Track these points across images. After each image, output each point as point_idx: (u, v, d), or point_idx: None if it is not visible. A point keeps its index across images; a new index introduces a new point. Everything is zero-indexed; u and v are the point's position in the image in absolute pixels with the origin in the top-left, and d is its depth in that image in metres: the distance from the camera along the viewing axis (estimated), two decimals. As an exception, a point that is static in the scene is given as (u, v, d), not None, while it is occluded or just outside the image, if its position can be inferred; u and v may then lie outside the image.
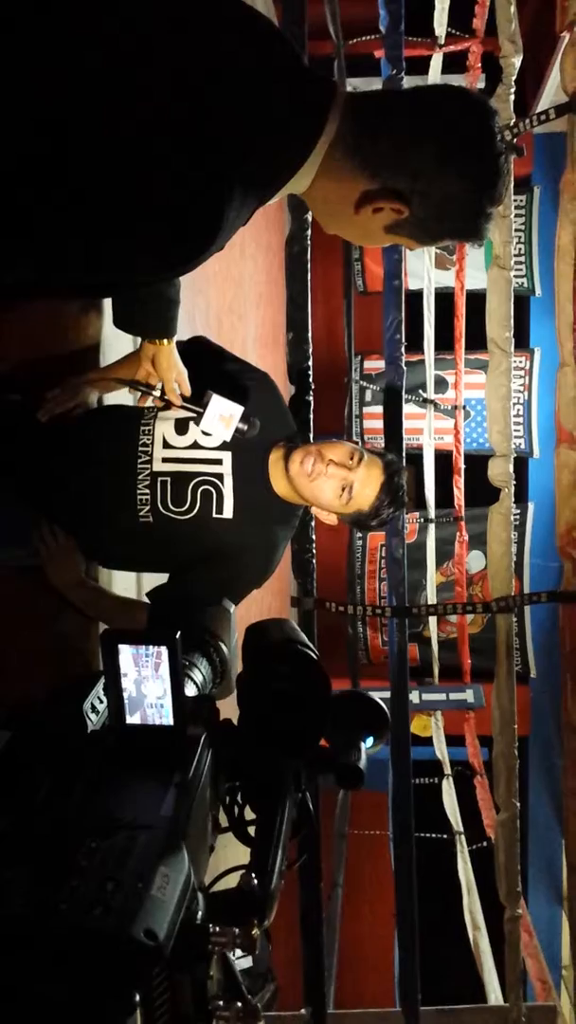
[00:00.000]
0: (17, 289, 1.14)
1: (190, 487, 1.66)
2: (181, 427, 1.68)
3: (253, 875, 0.82)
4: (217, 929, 0.74)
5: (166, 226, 0.97)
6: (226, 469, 1.67)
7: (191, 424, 1.68)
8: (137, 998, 0.66)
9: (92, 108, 0.94)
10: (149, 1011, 0.68)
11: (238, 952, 0.78)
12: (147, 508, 1.66)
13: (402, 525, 3.21)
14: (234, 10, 1.07)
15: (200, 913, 0.77)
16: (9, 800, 0.84)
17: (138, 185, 0.95)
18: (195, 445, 1.68)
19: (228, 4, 1.07)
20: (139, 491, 1.66)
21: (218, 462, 1.67)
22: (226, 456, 1.68)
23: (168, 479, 1.66)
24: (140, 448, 1.68)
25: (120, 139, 0.94)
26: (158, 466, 1.67)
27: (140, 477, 1.67)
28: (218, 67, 0.99)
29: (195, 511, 1.65)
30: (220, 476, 1.66)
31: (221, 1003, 0.74)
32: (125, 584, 2.09)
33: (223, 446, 1.68)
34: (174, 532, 1.66)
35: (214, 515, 1.65)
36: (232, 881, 0.86)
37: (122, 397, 1.94)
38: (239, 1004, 0.76)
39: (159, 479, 1.66)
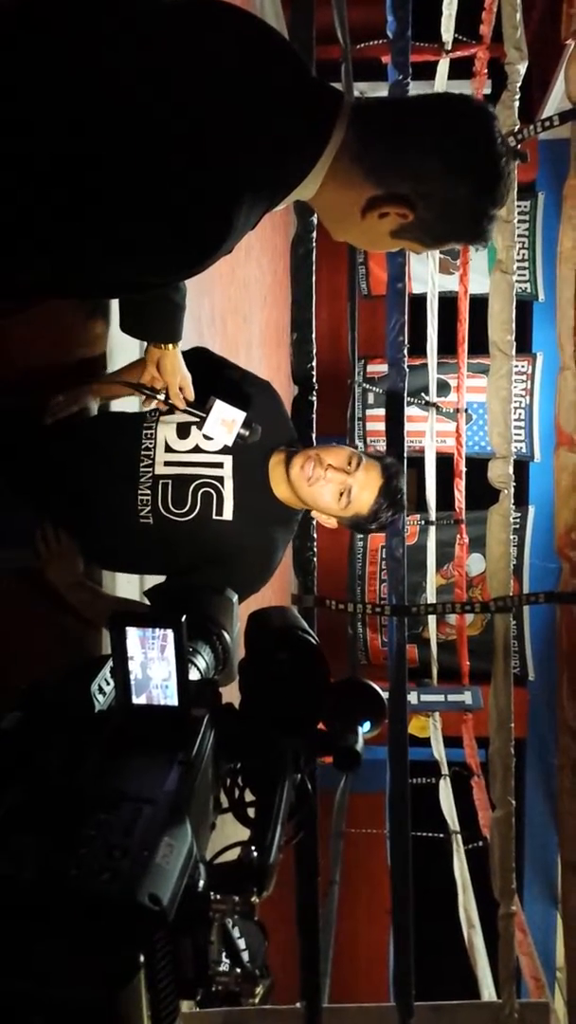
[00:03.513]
0: (33, 288, 1.18)
1: (191, 489, 1.68)
2: (183, 431, 1.71)
3: (253, 848, 0.86)
4: (218, 897, 0.78)
5: (177, 230, 1.00)
6: (227, 472, 1.69)
7: (193, 428, 1.70)
8: (141, 959, 0.70)
9: (107, 117, 0.98)
10: (152, 972, 0.71)
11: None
12: (147, 509, 1.68)
13: (403, 525, 3.23)
14: (232, 18, 1.10)
15: (202, 882, 0.80)
16: (22, 774, 0.87)
17: (150, 190, 0.98)
18: (196, 449, 1.70)
19: (227, 12, 1.11)
20: (140, 493, 1.68)
21: (219, 465, 1.69)
22: (227, 460, 1.70)
23: (169, 481, 1.68)
24: (143, 452, 1.70)
25: (132, 145, 0.97)
26: (160, 469, 1.69)
27: (142, 480, 1.69)
28: (219, 76, 1.02)
29: (195, 512, 1.67)
30: (221, 479, 1.69)
31: (221, 968, 0.78)
32: (128, 587, 2.12)
33: (224, 450, 1.70)
34: (174, 533, 1.68)
35: (214, 517, 1.68)
36: (233, 857, 0.90)
37: (128, 404, 1.97)
38: (238, 970, 0.80)
39: (160, 481, 1.68)
